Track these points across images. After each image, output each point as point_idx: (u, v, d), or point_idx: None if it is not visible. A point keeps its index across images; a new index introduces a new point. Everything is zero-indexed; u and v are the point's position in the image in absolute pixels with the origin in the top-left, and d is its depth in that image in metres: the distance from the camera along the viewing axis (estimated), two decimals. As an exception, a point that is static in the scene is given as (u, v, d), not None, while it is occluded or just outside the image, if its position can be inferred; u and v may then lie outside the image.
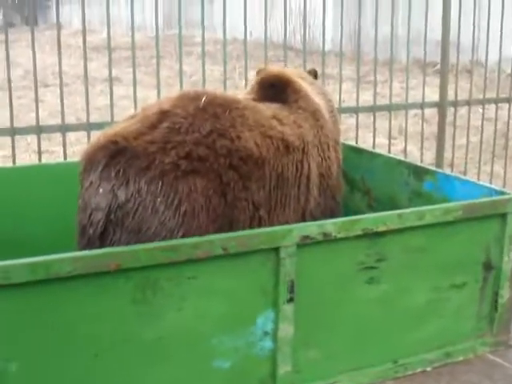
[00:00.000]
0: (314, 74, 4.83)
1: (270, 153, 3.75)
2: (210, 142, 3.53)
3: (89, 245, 3.39)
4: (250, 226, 3.65)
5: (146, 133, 3.47)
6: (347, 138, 7.51)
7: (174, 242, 3.30)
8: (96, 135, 3.68)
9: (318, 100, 4.40)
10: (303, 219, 4.01)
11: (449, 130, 6.77)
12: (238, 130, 3.65)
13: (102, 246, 3.35)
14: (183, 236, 3.37)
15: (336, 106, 5.24)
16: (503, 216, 4.06)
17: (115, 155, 3.37)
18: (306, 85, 4.42)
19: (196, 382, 3.44)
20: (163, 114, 3.57)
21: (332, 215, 4.21)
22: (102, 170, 3.37)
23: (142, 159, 3.35)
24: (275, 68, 4.67)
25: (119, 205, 3.33)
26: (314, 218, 4.04)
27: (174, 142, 3.45)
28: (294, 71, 4.71)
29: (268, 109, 4.00)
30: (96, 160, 3.40)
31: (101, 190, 3.36)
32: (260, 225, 3.69)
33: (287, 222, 3.86)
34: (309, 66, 5.71)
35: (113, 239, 3.35)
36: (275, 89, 4.23)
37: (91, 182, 3.40)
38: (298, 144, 3.96)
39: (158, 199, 3.34)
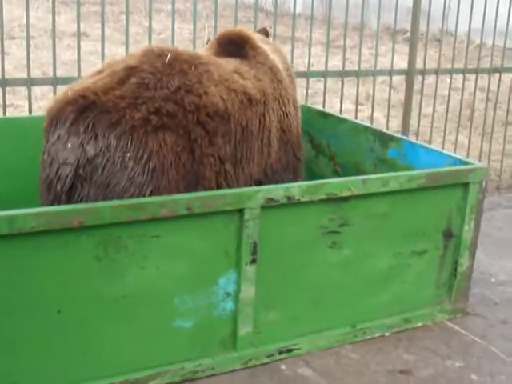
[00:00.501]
0: (264, 33, 4.81)
1: (235, 107, 3.77)
2: (178, 98, 3.53)
3: (55, 200, 3.37)
4: (217, 181, 3.67)
5: (115, 88, 3.45)
6: (314, 102, 7.52)
7: (138, 200, 3.29)
8: (62, 90, 3.64)
9: (274, 57, 4.43)
10: (264, 173, 4.04)
11: (416, 98, 6.80)
12: (205, 86, 3.66)
13: (69, 201, 3.34)
14: (152, 192, 3.36)
15: (304, 69, 5.24)
16: (465, 185, 4.10)
17: (84, 110, 3.34)
18: (262, 43, 4.43)
19: (157, 341, 3.46)
20: (131, 70, 3.55)
21: (294, 172, 4.27)
22: (70, 125, 3.34)
23: (112, 114, 3.33)
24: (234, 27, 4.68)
25: (88, 159, 3.31)
26: (275, 172, 4.10)
27: (143, 97, 3.44)
28: (249, 30, 4.68)
29: (229, 63, 4.03)
30: (64, 114, 3.36)
31: (69, 145, 3.33)
32: (226, 179, 3.72)
33: (251, 175, 3.91)
34: (279, 29, 5.70)
35: (81, 194, 3.33)
36: (234, 45, 4.25)
37: (58, 137, 3.36)
38: (260, 97, 3.99)
39: (128, 154, 3.32)
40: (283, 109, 4.20)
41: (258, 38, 4.43)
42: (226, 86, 3.78)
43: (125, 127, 3.33)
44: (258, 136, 3.94)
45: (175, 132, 3.46)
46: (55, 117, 3.41)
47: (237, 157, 3.79)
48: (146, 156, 3.35)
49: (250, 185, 3.86)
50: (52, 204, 3.37)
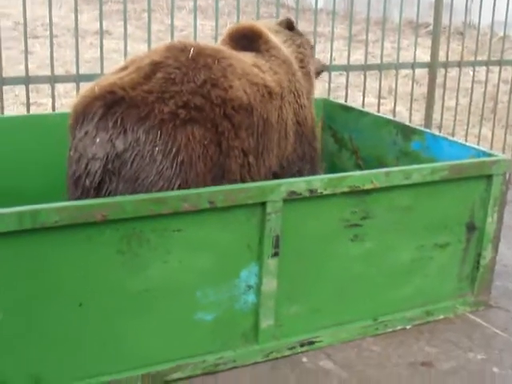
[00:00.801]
0: (286, 23, 4.72)
1: (257, 100, 3.79)
2: (205, 92, 3.55)
3: (83, 195, 3.39)
4: (240, 174, 3.68)
5: (142, 83, 3.47)
6: (337, 96, 7.52)
7: (161, 194, 3.31)
8: (86, 86, 3.66)
9: (286, 50, 4.42)
10: (281, 164, 4.07)
11: (438, 92, 6.77)
12: (230, 80, 3.68)
13: (97, 196, 3.35)
14: (180, 186, 3.38)
15: (327, 63, 5.23)
16: (489, 177, 4.09)
17: (112, 105, 3.36)
18: (273, 35, 4.42)
19: (179, 334, 3.48)
20: (156, 65, 3.57)
21: (312, 161, 4.30)
22: (98, 120, 3.35)
23: (140, 108, 3.36)
24: (245, 21, 4.66)
25: (117, 154, 3.33)
26: (291, 163, 4.13)
27: (171, 91, 3.46)
28: (261, 23, 4.65)
29: (246, 57, 4.04)
30: (92, 110, 3.38)
31: (98, 140, 3.34)
32: (250, 172, 3.74)
33: (270, 168, 3.93)
34: (301, 24, 5.69)
35: (109, 188, 3.35)
36: (247, 39, 4.24)
37: (86, 132, 3.38)
38: (278, 90, 4.01)
39: (156, 148, 3.35)
40: (298, 101, 4.21)
41: (269, 31, 4.41)
42: (248, 79, 3.80)
43: (154, 121, 3.36)
44: (277, 129, 3.96)
45: (203, 125, 3.48)
46: (82, 113, 3.43)
47: (259, 149, 3.81)
48: (174, 149, 3.38)
49: (269, 177, 3.88)
50: (79, 199, 3.38)
